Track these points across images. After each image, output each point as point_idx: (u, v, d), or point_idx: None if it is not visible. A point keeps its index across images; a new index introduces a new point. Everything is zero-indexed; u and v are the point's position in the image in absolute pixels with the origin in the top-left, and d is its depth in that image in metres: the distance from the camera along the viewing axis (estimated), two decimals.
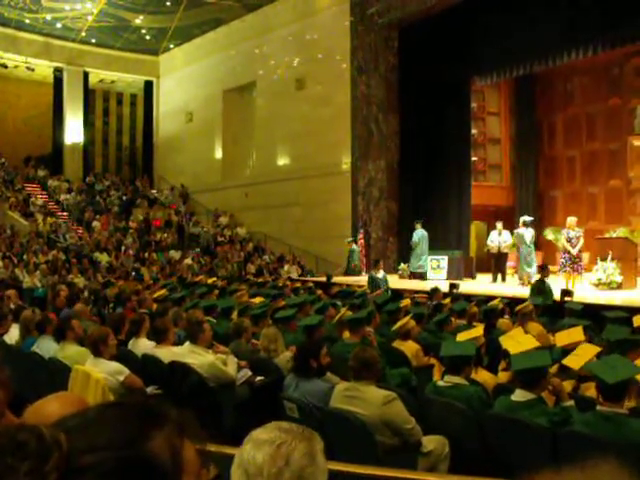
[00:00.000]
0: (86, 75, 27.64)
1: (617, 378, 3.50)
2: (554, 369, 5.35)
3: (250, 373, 5.47)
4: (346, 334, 6.35)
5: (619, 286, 13.05)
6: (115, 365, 4.90)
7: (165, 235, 23.21)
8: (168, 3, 23.14)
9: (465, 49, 18.00)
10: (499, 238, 15.82)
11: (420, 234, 17.38)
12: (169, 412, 1.02)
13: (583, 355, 4.78)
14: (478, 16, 17.24)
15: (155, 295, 10.85)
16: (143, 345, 5.78)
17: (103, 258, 19.67)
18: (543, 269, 11.47)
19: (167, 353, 5.54)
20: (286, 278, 17.03)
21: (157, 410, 1.02)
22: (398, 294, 11.52)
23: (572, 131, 20.23)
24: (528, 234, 15.03)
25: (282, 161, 23.54)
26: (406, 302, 9.15)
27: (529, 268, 14.79)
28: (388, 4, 19.10)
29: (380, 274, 13.73)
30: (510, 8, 16.45)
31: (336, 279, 16.25)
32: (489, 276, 16.09)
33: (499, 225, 16.09)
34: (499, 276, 15.69)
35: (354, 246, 18.80)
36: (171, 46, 28.09)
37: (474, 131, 20.60)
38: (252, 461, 1.48)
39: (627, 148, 17.24)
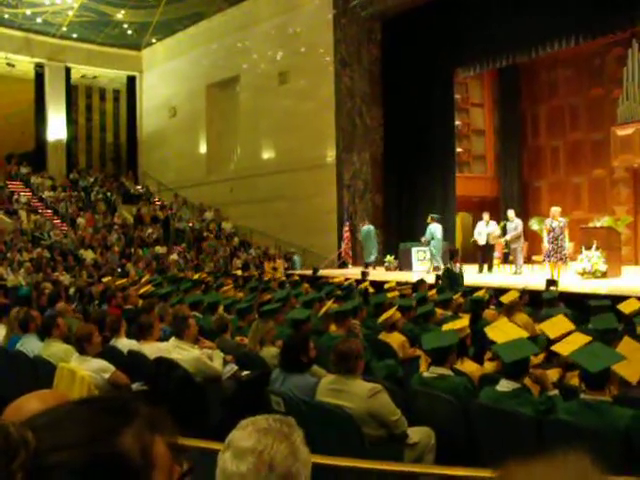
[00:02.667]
0: (68, 71, 27.42)
1: (599, 367, 3.53)
2: (540, 358, 5.39)
3: (236, 368, 5.47)
4: (332, 327, 6.35)
5: (604, 275, 13.14)
6: (100, 362, 4.88)
7: (151, 231, 23.12)
8: None
9: (448, 41, 18.02)
10: (486, 229, 15.90)
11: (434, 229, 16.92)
12: (139, 408, 1.01)
13: (573, 342, 4.80)
14: (461, 8, 17.27)
15: (141, 291, 10.82)
16: (122, 345, 5.75)
17: (88, 255, 19.58)
18: (452, 256, 11.81)
19: (153, 349, 5.53)
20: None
21: (127, 406, 1.01)
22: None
23: (555, 122, 20.31)
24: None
25: (267, 155, 23.50)
26: (393, 294, 9.18)
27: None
28: None
29: (457, 268, 12.45)
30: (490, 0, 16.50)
31: (323, 272, 16.27)
32: (475, 267, 16.14)
33: (486, 216, 16.17)
34: (485, 267, 15.76)
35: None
36: (153, 41, 27.92)
37: (458, 122, 20.64)
38: (236, 472, 1.47)
39: (610, 138, 17.31)
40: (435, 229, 16.81)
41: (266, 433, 1.51)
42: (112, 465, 0.92)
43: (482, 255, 15.95)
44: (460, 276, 11.75)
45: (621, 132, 16.93)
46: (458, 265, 11.71)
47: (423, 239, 16.98)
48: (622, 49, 17.57)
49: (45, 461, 0.90)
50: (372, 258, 18.21)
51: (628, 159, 17.04)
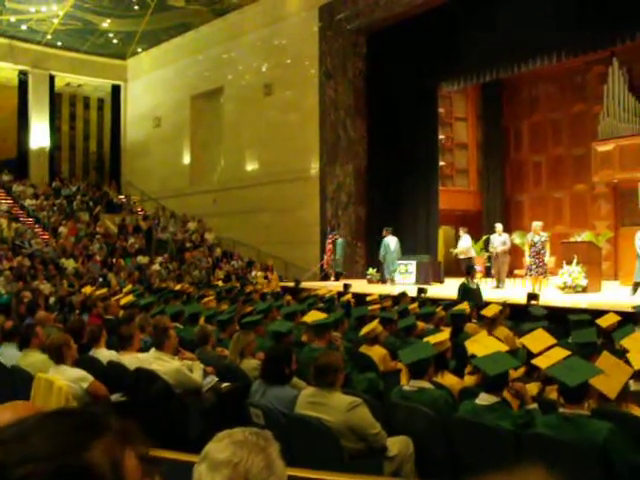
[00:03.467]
0: (52, 78, 27.34)
1: (578, 381, 3.55)
2: (520, 372, 5.41)
3: (216, 379, 5.44)
4: (314, 339, 6.34)
5: (584, 289, 13.22)
6: (79, 372, 4.84)
7: (133, 241, 23.00)
8: (136, 7, 23.00)
9: (432, 55, 18.15)
10: (462, 244, 16.29)
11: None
12: (110, 421, 1.00)
13: (552, 356, 4.83)
14: (445, 23, 17.42)
15: (122, 301, 10.75)
16: (101, 355, 5.71)
17: (69, 264, 19.43)
18: (468, 271, 11.45)
19: (132, 360, 5.49)
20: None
21: (97, 419, 1.00)
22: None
23: (538, 137, 20.50)
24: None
25: (250, 166, 23.50)
26: (375, 307, 9.19)
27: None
28: (356, 10, 19.20)
29: (474, 284, 11.64)
30: (476, 16, 16.67)
31: (305, 284, 16.25)
32: (457, 280, 16.23)
33: (461, 230, 16.80)
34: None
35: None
36: (139, 50, 27.90)
37: (442, 136, 20.75)
38: None
39: (591, 153, 17.51)
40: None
41: (242, 445, 1.50)
42: (81, 479, 0.91)
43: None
44: (478, 292, 11.17)
45: (601, 148, 17.13)
46: (475, 280, 11.17)
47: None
48: (603, 67, 17.81)
49: (12, 474, 0.89)
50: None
51: (608, 175, 17.23)
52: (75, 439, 0.94)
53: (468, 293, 10.92)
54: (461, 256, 16.51)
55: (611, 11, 14.42)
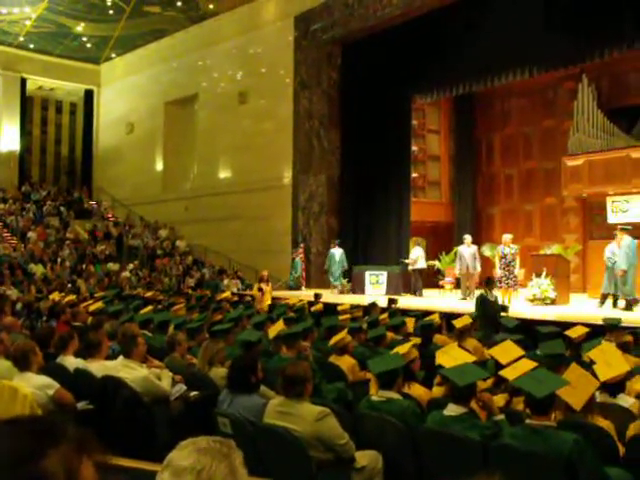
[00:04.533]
0: (23, 81, 27.05)
1: (544, 392, 3.58)
2: (488, 383, 5.45)
3: (185, 388, 5.40)
4: (284, 349, 6.32)
5: (553, 302, 13.38)
6: (44, 379, 4.77)
7: (103, 247, 22.79)
8: (111, 12, 22.88)
9: (406, 67, 18.27)
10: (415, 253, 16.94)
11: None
12: (67, 429, 0.99)
13: (520, 368, 4.87)
14: (419, 36, 17.56)
15: (91, 308, 10.63)
16: (69, 363, 5.62)
17: (38, 270, 19.19)
18: (487, 284, 11.03)
19: (100, 367, 5.42)
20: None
21: (54, 428, 0.98)
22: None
23: (509, 150, 20.72)
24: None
25: (223, 174, 23.44)
26: (345, 317, 9.20)
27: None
28: (332, 21, 19.29)
29: (492, 296, 10.99)
30: (450, 29, 16.84)
31: (275, 293, 16.22)
32: (428, 291, 16.45)
33: (418, 240, 17.68)
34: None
35: (297, 258, 18.94)
36: (113, 55, 27.74)
37: (414, 148, 20.87)
38: None
39: (561, 168, 17.75)
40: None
41: (205, 453, 1.49)
42: None
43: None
44: (496, 304, 10.66)
45: (571, 162, 17.36)
46: (494, 293, 10.78)
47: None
48: (573, 83, 18.08)
49: None
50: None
51: (577, 189, 17.46)
52: (31, 447, 0.92)
53: (487, 305, 10.48)
54: (410, 267, 16.78)
55: (581, 29, 14.68)
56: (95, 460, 0.98)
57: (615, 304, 13.00)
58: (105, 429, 4.71)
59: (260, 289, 15.74)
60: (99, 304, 11.07)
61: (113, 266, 21.26)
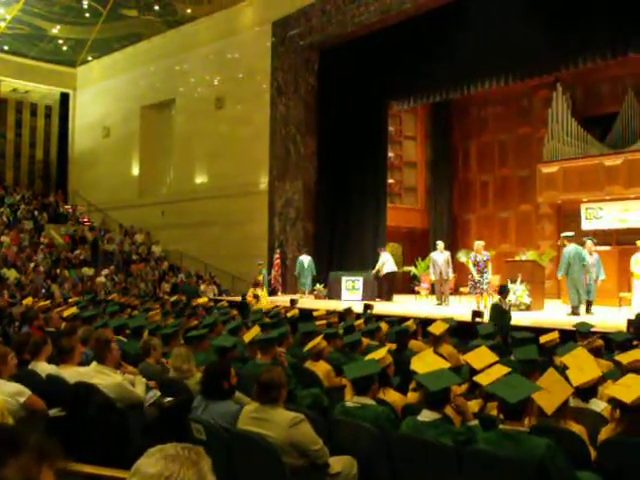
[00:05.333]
0: None
1: (517, 397, 3.61)
2: (463, 389, 5.47)
3: (159, 394, 5.36)
4: (259, 354, 6.31)
5: (528, 308, 13.48)
6: (15, 386, 4.70)
7: (78, 252, 22.58)
8: (87, 15, 22.72)
9: (383, 74, 18.39)
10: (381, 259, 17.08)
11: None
12: (28, 438, 0.97)
13: (494, 373, 4.89)
14: (397, 43, 17.66)
15: (65, 313, 10.52)
16: (41, 369, 5.55)
17: (11, 274, 18.95)
18: (501, 292, 10.78)
19: (73, 373, 5.36)
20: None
21: (14, 437, 0.97)
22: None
23: (485, 157, 20.90)
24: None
25: (200, 180, 23.36)
26: (321, 323, 9.19)
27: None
28: (309, 27, 19.33)
29: (506, 305, 10.75)
30: (427, 37, 16.96)
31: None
32: (404, 297, 16.55)
33: (383, 248, 17.53)
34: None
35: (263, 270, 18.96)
36: (89, 58, 27.55)
37: (391, 154, 20.99)
38: None
39: (536, 175, 17.93)
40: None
41: (173, 460, 1.48)
42: None
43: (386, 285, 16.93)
44: (508, 313, 10.40)
45: (546, 170, 17.56)
46: (507, 301, 10.57)
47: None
48: (548, 91, 18.31)
49: None
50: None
51: (552, 196, 17.66)
52: None
53: (501, 314, 10.22)
54: (382, 273, 16.98)
55: (555, 38, 14.88)
56: (56, 469, 0.97)
57: (588, 310, 13.15)
58: (78, 436, 4.67)
59: (255, 295, 15.32)
60: (73, 309, 10.94)
61: (88, 271, 21.07)
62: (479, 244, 14.40)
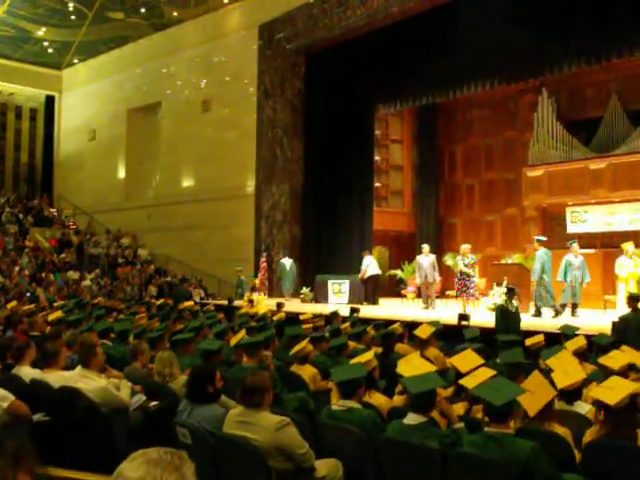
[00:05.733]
0: None
1: (502, 400, 3.62)
2: (449, 392, 5.48)
3: (144, 398, 5.33)
4: (245, 358, 6.29)
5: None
6: None
7: (64, 255, 22.45)
8: (73, 17, 22.63)
9: (370, 77, 18.44)
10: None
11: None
12: (4, 444, 0.97)
13: (479, 376, 4.91)
14: (383, 47, 17.72)
15: (50, 317, 10.45)
16: (25, 374, 5.51)
17: None
18: (509, 294, 10.47)
19: (57, 378, 5.32)
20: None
21: None
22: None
23: (471, 161, 20.98)
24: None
25: (186, 183, 23.31)
26: (307, 326, 9.19)
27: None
28: (296, 30, 19.34)
29: (513, 307, 10.28)
30: (414, 41, 17.03)
31: (238, 302, 16.14)
32: (391, 300, 16.59)
33: (367, 252, 17.55)
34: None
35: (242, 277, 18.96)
36: (75, 61, 27.43)
37: (377, 158, 21.03)
38: None
39: (522, 178, 18.03)
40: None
41: (156, 464, 1.48)
42: None
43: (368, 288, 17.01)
44: (517, 316, 10.15)
45: (531, 173, 17.66)
46: (515, 304, 10.25)
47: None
48: (533, 96, 18.43)
49: None
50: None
51: (538, 199, 17.76)
52: None
53: (507, 317, 9.97)
54: (362, 276, 17.02)
55: (540, 43, 14.98)
56: (32, 474, 0.96)
57: (574, 313, 13.24)
58: (62, 441, 4.63)
59: (250, 300, 14.43)
60: (58, 313, 10.89)
61: (73, 274, 20.95)
62: (465, 247, 14.47)
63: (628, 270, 13.06)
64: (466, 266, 14.18)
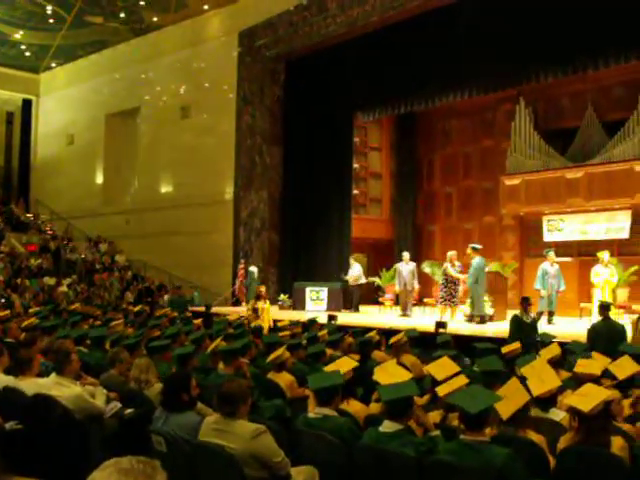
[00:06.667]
0: None
1: (478, 408, 3.64)
2: (425, 400, 5.50)
3: (120, 405, 5.28)
4: (221, 365, 6.27)
5: (490, 318, 13.62)
6: None
7: (40, 261, 22.23)
8: (51, 20, 22.45)
9: (349, 85, 18.50)
10: (351, 271, 17.20)
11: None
12: None
13: (455, 384, 4.94)
14: (363, 55, 17.81)
15: (24, 324, 10.33)
16: None
17: None
18: (523, 304, 10.16)
19: (31, 385, 5.26)
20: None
21: None
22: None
23: (449, 169, 21.09)
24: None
25: (165, 189, 23.20)
26: (284, 333, 9.18)
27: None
28: (276, 37, 19.37)
29: (529, 317, 9.96)
30: (393, 49, 17.12)
31: (215, 309, 16.09)
32: (368, 307, 16.61)
33: (351, 259, 17.56)
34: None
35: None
36: (53, 65, 27.23)
37: (356, 165, 21.07)
38: None
39: (499, 187, 18.16)
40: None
41: (127, 473, 1.47)
42: None
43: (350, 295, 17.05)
44: (532, 326, 9.84)
45: (509, 182, 17.80)
46: (532, 314, 9.96)
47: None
48: (511, 105, 18.58)
49: None
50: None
51: (515, 207, 17.90)
52: None
53: (521, 327, 9.69)
54: (352, 283, 17.02)
55: (518, 53, 15.14)
56: None
57: (550, 320, 13.36)
58: (36, 450, 4.58)
59: (255, 309, 12.82)
60: (33, 320, 10.77)
61: (49, 280, 20.74)
62: (452, 254, 14.45)
63: (603, 278, 13.24)
64: (460, 272, 14.24)
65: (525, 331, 9.47)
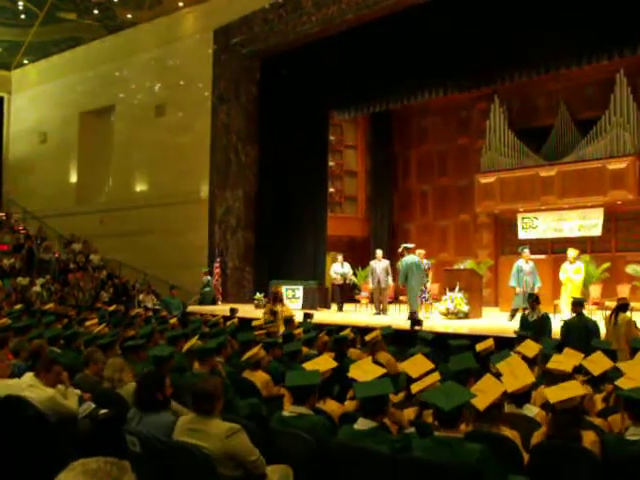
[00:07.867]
0: None
1: (452, 405, 3.66)
2: (400, 397, 5.52)
3: (93, 406, 5.24)
4: (196, 364, 6.24)
5: (466, 315, 13.72)
6: None
7: (12, 260, 21.95)
8: (23, 16, 22.15)
9: (325, 83, 18.50)
10: (341, 269, 16.81)
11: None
12: None
13: (428, 381, 4.97)
14: (338, 53, 17.81)
15: None
16: None
17: None
18: (530, 301, 10.09)
19: (1, 386, 5.20)
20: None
21: None
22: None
23: (425, 167, 21.19)
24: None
25: (139, 187, 23.03)
26: (261, 332, 9.16)
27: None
28: (251, 35, 19.31)
29: (534, 315, 9.81)
30: (368, 47, 17.16)
31: (191, 308, 16.01)
32: (345, 305, 16.63)
33: (340, 257, 17.27)
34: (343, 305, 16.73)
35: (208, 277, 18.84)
36: (25, 62, 26.89)
37: (331, 163, 21.09)
38: None
39: (474, 185, 18.28)
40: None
41: (93, 475, 1.45)
42: None
43: (339, 294, 16.87)
44: (538, 323, 9.64)
45: (484, 180, 17.92)
46: (540, 312, 9.78)
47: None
48: (486, 104, 18.73)
49: None
50: None
51: (489, 205, 18.03)
52: None
53: (525, 325, 9.64)
54: (337, 282, 16.92)
55: (492, 52, 15.25)
56: None
57: None
58: (6, 452, 4.52)
59: (273, 312, 11.60)
60: (5, 320, 10.64)
61: (23, 280, 20.49)
62: (420, 252, 14.57)
63: (566, 276, 13.42)
64: (427, 270, 14.34)
65: (530, 328, 9.21)
